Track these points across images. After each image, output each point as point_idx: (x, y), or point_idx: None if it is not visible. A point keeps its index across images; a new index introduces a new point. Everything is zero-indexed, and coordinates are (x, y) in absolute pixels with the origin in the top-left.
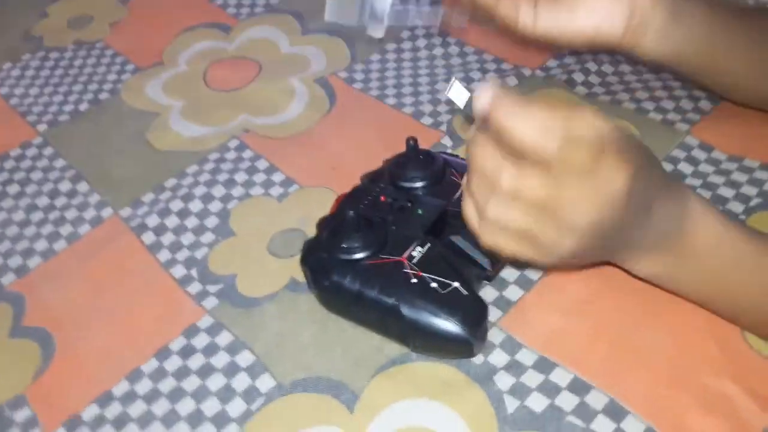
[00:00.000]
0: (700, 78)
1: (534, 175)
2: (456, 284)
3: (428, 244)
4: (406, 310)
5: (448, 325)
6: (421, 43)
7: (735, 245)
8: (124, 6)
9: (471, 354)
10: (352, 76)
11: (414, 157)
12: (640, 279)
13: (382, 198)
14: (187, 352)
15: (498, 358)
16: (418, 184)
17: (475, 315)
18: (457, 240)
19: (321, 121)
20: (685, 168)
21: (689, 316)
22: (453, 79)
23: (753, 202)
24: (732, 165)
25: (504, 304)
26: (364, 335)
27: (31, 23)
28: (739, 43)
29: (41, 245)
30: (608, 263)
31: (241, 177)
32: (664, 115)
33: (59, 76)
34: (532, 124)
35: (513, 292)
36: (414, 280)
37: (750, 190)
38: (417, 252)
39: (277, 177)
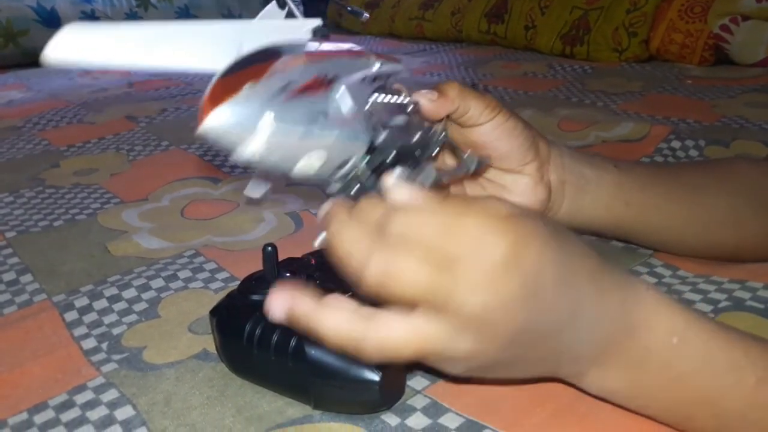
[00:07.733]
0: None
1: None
2: None
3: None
4: (309, 349)
5: (353, 361)
6: None
7: (702, 343)
8: (129, 163)
9: (380, 403)
10: None
11: None
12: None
13: (312, 261)
14: (64, 406)
15: (417, 420)
16: None
17: None
18: None
19: (283, 238)
20: (648, 280)
21: None
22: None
23: (722, 305)
24: (699, 279)
25: (433, 376)
26: (266, 399)
27: (41, 170)
28: (654, 202)
29: None
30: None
31: (184, 274)
32: (626, 243)
33: (47, 204)
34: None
35: None
36: None
37: (718, 296)
38: None
39: (222, 275)
